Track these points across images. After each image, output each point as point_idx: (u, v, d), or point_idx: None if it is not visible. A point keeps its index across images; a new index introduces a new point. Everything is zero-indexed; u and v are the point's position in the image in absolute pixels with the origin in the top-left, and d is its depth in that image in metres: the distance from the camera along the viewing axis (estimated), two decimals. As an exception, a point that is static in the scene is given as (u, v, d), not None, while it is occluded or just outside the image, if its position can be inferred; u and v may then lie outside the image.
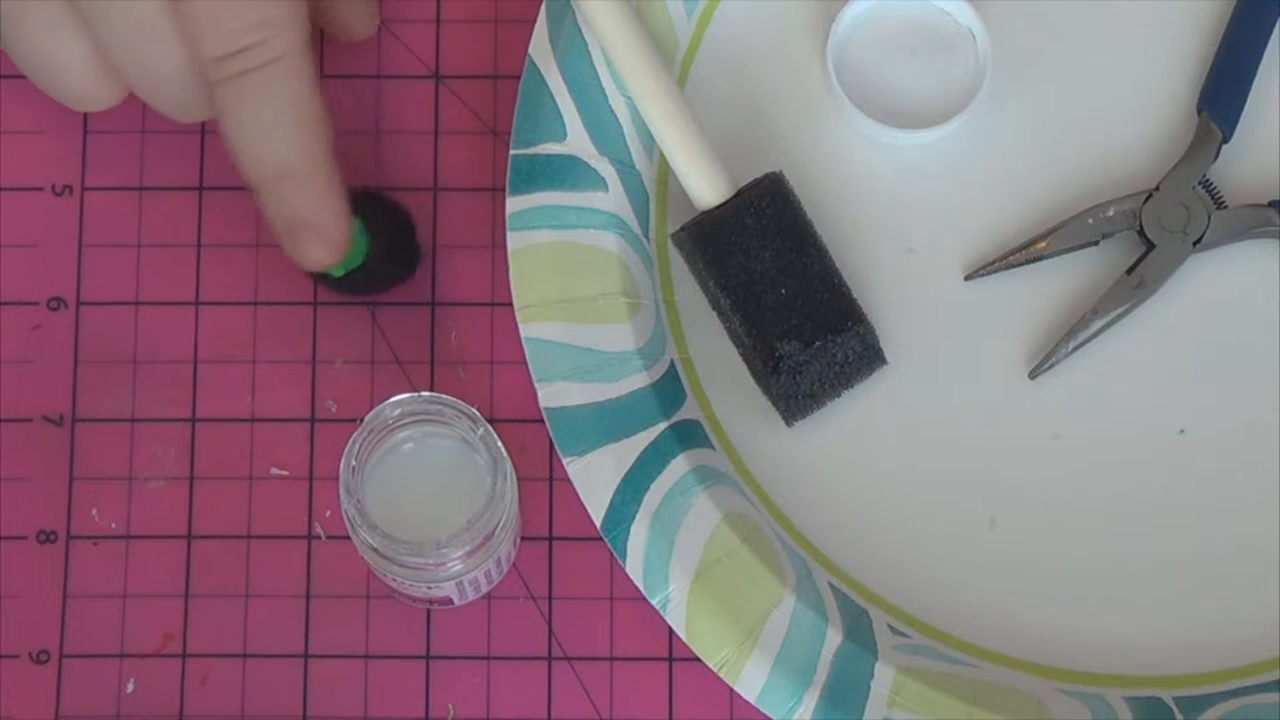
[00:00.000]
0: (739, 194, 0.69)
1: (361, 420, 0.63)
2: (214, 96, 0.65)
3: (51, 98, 0.69)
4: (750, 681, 0.65)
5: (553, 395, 0.67)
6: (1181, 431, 0.70)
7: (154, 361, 0.71)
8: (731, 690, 0.66)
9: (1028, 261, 0.70)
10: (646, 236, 0.71)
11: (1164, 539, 0.69)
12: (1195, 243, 0.70)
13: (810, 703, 0.65)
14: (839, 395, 0.69)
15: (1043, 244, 0.70)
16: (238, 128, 0.65)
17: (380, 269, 0.69)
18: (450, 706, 0.68)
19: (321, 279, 0.69)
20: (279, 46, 0.64)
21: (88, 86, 0.68)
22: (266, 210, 0.66)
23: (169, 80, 0.66)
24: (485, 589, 0.68)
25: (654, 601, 0.66)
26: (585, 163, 0.69)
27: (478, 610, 0.69)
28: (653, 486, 0.67)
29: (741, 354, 0.70)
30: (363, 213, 0.68)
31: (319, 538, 0.69)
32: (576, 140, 0.70)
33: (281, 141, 0.65)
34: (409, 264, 0.70)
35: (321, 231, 0.66)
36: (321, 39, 0.73)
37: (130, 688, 0.68)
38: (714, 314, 0.70)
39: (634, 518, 0.66)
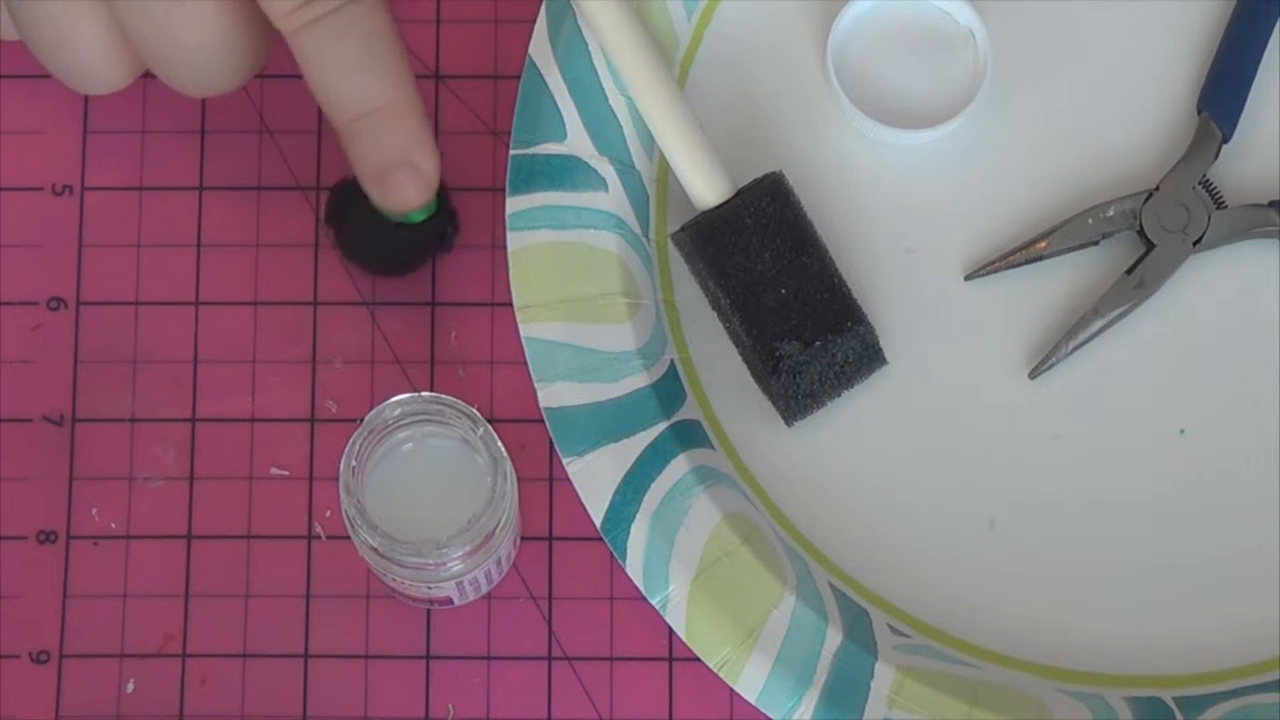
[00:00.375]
0: (739, 194, 0.69)
1: (361, 420, 0.63)
2: (295, 47, 0.65)
3: (59, 81, 0.68)
4: (750, 681, 0.65)
5: (553, 395, 0.67)
6: (1181, 431, 0.70)
7: (154, 361, 0.71)
8: (731, 690, 0.66)
9: (1028, 261, 0.70)
10: (646, 236, 0.71)
11: (1164, 539, 0.69)
12: (1195, 243, 0.70)
13: (810, 703, 0.65)
14: (839, 395, 0.69)
15: (1043, 244, 0.70)
16: (327, 71, 0.65)
17: (443, 221, 0.69)
18: (450, 706, 0.68)
19: (394, 233, 0.68)
20: None
21: (102, 65, 0.67)
22: (358, 152, 0.66)
23: (190, 52, 0.66)
24: (485, 589, 0.68)
25: (654, 601, 0.66)
26: (585, 163, 0.69)
27: (478, 610, 0.69)
28: (653, 486, 0.67)
29: (741, 354, 0.70)
30: None
31: (319, 538, 0.69)
32: (576, 140, 0.70)
33: (372, 76, 0.65)
34: (456, 220, 0.70)
35: (419, 167, 0.66)
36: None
37: (130, 688, 0.68)
38: (714, 314, 0.70)
39: (634, 518, 0.66)
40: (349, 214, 0.68)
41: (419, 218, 0.68)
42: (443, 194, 0.69)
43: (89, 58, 0.67)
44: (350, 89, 0.65)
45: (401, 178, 0.66)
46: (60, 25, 0.66)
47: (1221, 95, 0.71)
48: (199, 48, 0.66)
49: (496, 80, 0.73)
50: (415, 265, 0.70)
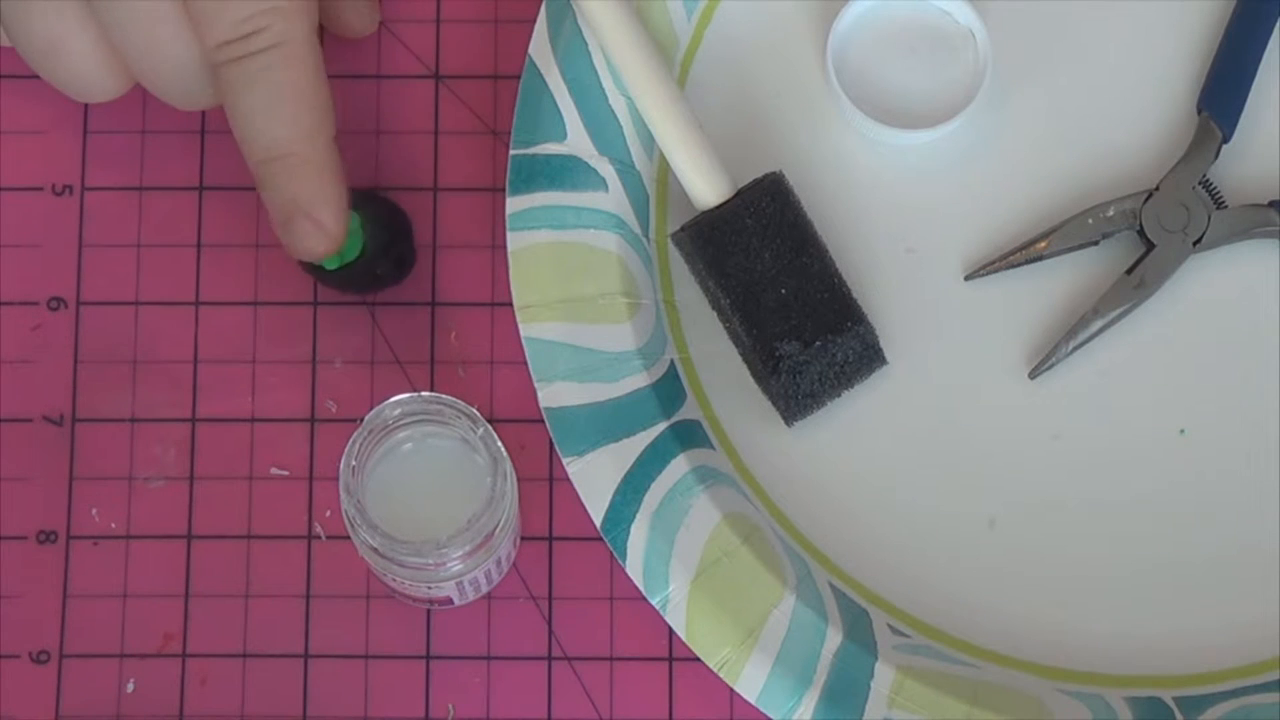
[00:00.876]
0: (739, 194, 0.69)
1: (361, 420, 0.63)
2: (217, 81, 0.66)
3: (56, 89, 0.69)
4: (750, 681, 0.65)
5: (553, 395, 0.67)
6: (1181, 431, 0.70)
7: (154, 361, 0.71)
8: (731, 690, 0.66)
9: (1028, 261, 0.70)
10: (646, 236, 0.71)
11: (1164, 539, 0.69)
12: (1195, 243, 0.70)
13: (810, 703, 0.65)
14: (839, 395, 0.69)
15: (1043, 244, 0.70)
16: (237, 111, 0.66)
17: (372, 268, 0.69)
18: (450, 706, 0.68)
19: (313, 271, 0.69)
20: (281, 33, 0.65)
21: (94, 75, 0.68)
22: (263, 196, 0.66)
23: (174, 67, 0.66)
24: (485, 589, 0.68)
25: (654, 601, 0.66)
26: (585, 163, 0.69)
27: (478, 610, 0.69)
28: (653, 486, 0.67)
29: (741, 354, 0.70)
30: (361, 210, 0.68)
31: (319, 538, 0.69)
32: (576, 140, 0.70)
33: (278, 125, 0.65)
34: (402, 266, 0.70)
35: (315, 220, 0.66)
36: (322, 37, 0.73)
37: (130, 688, 0.68)
38: (714, 314, 0.70)
39: (634, 518, 0.66)
40: None
41: (331, 265, 0.68)
42: (376, 235, 0.68)
43: (82, 68, 0.67)
44: (258, 131, 0.66)
45: (300, 229, 0.66)
46: (51, 36, 0.67)
47: (1221, 95, 0.71)
48: (183, 65, 0.66)
49: (496, 80, 0.73)
50: (364, 291, 0.70)
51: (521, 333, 0.68)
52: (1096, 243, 0.71)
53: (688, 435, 0.68)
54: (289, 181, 0.66)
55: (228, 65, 0.65)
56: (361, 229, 0.68)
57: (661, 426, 0.68)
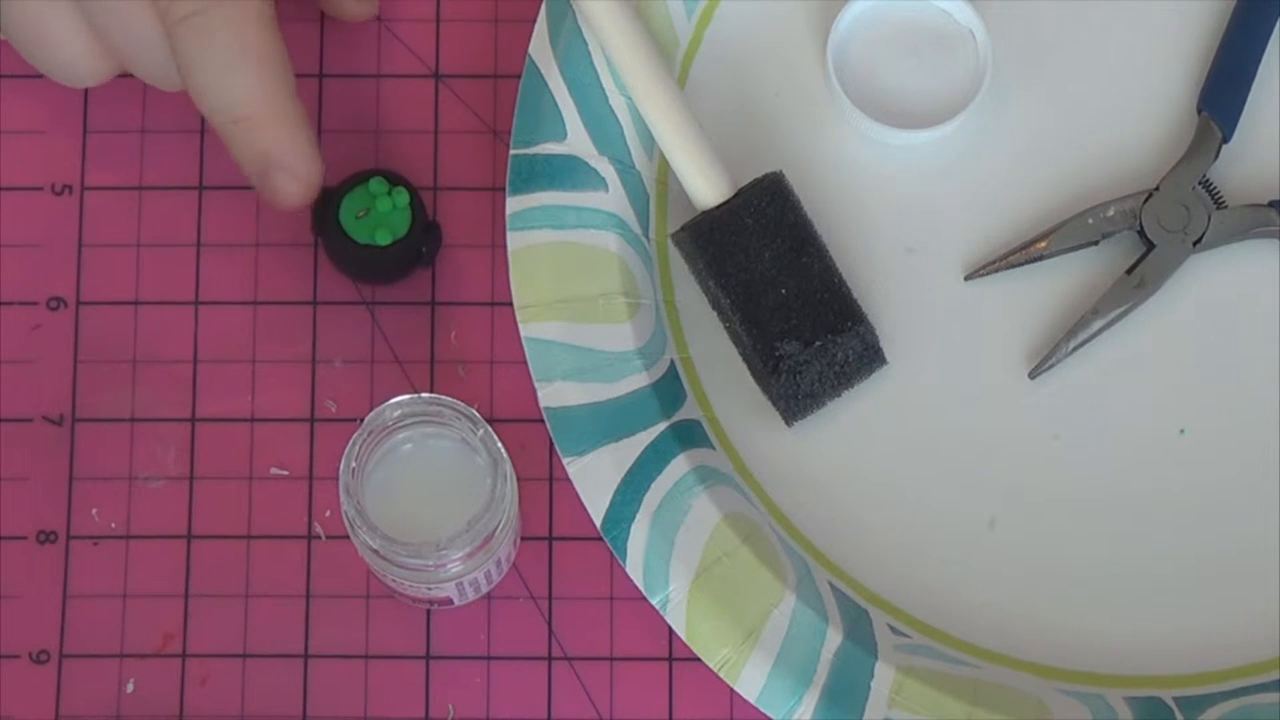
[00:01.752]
0: (739, 194, 0.69)
1: (361, 421, 0.63)
2: (171, 45, 0.65)
3: (47, 75, 0.69)
4: (750, 681, 0.65)
5: (553, 395, 0.67)
6: (1181, 431, 0.70)
7: (154, 361, 0.71)
8: (731, 690, 0.66)
9: (1028, 261, 0.70)
10: (646, 236, 0.71)
11: (1164, 539, 0.69)
12: (1195, 243, 0.70)
13: (810, 703, 0.65)
14: (839, 395, 0.69)
15: (1043, 244, 0.70)
16: (191, 71, 0.65)
17: (418, 243, 0.69)
18: (450, 706, 0.68)
19: (354, 261, 0.69)
20: None
21: (80, 59, 0.67)
22: (234, 155, 0.66)
23: (149, 44, 0.66)
24: (485, 589, 0.68)
25: (654, 601, 0.66)
26: (585, 163, 0.69)
27: (478, 610, 0.69)
28: (653, 486, 0.67)
29: (741, 354, 0.70)
30: (405, 186, 0.69)
31: (319, 538, 0.69)
32: (576, 140, 0.70)
33: (237, 83, 0.65)
34: (440, 244, 0.70)
35: (292, 170, 0.66)
36: (322, 33, 0.73)
37: (130, 688, 0.68)
38: (714, 314, 0.70)
39: (634, 518, 0.66)
40: (325, 227, 0.69)
41: (384, 241, 0.68)
42: (417, 213, 0.69)
43: (68, 54, 0.67)
44: (216, 91, 0.65)
45: (278, 181, 0.66)
46: (36, 22, 0.67)
47: (1221, 95, 0.71)
48: (156, 43, 0.65)
49: (496, 80, 0.73)
50: (395, 278, 0.70)
51: (521, 333, 0.68)
52: (1096, 243, 0.71)
53: (688, 435, 0.68)
54: (255, 139, 0.65)
55: (177, 25, 0.65)
56: (410, 205, 0.68)
57: (661, 426, 0.68)
